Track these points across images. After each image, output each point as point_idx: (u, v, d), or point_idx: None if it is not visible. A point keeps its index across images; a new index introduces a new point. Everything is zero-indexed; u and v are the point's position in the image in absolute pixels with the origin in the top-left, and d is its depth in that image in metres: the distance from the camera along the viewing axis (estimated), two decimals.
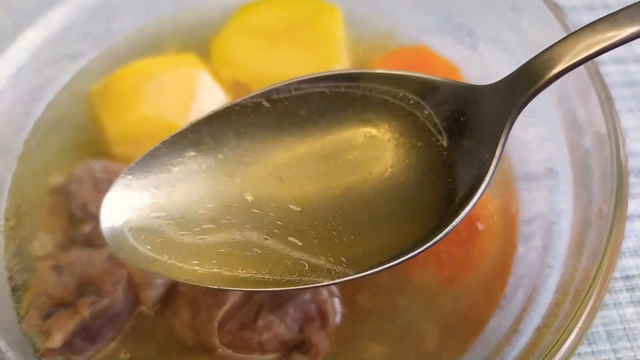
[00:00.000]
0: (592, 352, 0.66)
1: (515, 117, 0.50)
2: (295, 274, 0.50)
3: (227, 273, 0.50)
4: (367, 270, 0.49)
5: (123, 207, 0.51)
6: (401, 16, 0.80)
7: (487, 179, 0.50)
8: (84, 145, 0.71)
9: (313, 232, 0.52)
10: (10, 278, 0.62)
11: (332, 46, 0.76)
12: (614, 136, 0.57)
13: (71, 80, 0.77)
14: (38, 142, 0.72)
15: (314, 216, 0.53)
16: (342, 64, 0.76)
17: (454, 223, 0.49)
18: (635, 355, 0.66)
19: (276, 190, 0.54)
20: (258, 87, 0.56)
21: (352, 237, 0.52)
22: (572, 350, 0.48)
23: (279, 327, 0.57)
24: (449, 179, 0.53)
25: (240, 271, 0.50)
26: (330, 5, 0.79)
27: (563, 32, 0.64)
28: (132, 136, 0.69)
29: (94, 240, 0.62)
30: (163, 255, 0.50)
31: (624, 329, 0.68)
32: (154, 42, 0.80)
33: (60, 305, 0.58)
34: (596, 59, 0.49)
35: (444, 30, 0.78)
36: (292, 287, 0.49)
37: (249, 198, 0.54)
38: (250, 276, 0.50)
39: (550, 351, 0.49)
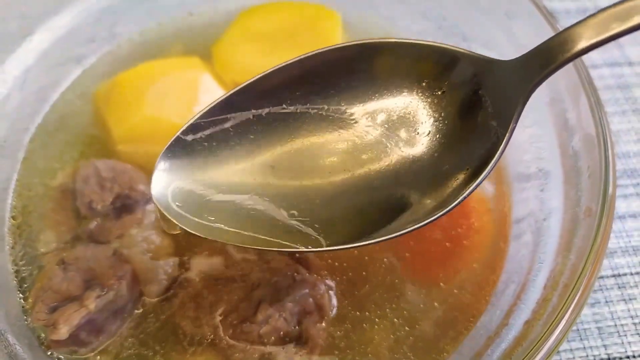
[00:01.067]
0: (584, 347, 0.68)
1: (530, 95, 0.51)
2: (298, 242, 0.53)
3: (246, 233, 0.54)
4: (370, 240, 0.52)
5: (167, 181, 0.54)
6: (398, 20, 0.82)
7: (499, 152, 0.51)
8: (89, 145, 0.73)
9: (317, 208, 0.55)
10: (17, 273, 0.64)
11: None
12: (603, 138, 0.59)
13: (77, 82, 0.78)
14: (44, 142, 0.74)
15: (323, 195, 0.56)
16: None
17: (466, 194, 0.51)
18: (625, 351, 0.67)
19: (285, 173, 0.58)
20: None
21: (358, 212, 0.56)
22: (559, 342, 0.50)
23: (278, 321, 0.58)
24: (459, 154, 0.55)
25: (252, 233, 0.54)
26: (330, 10, 0.81)
27: None
28: (135, 136, 0.71)
29: (99, 236, 0.64)
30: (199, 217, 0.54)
31: (615, 325, 0.69)
32: (157, 45, 0.82)
33: (66, 300, 0.59)
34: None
35: (439, 34, 0.79)
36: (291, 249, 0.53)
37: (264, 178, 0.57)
38: (265, 239, 0.54)
39: (537, 343, 0.50)
